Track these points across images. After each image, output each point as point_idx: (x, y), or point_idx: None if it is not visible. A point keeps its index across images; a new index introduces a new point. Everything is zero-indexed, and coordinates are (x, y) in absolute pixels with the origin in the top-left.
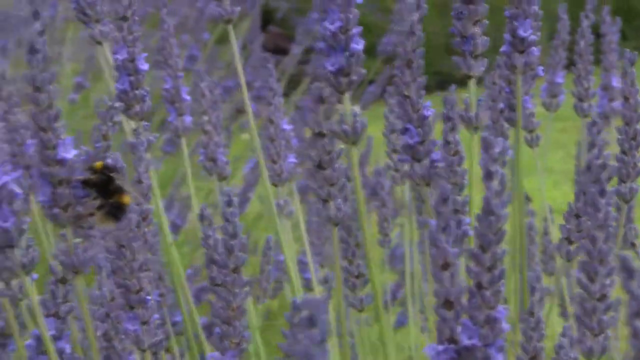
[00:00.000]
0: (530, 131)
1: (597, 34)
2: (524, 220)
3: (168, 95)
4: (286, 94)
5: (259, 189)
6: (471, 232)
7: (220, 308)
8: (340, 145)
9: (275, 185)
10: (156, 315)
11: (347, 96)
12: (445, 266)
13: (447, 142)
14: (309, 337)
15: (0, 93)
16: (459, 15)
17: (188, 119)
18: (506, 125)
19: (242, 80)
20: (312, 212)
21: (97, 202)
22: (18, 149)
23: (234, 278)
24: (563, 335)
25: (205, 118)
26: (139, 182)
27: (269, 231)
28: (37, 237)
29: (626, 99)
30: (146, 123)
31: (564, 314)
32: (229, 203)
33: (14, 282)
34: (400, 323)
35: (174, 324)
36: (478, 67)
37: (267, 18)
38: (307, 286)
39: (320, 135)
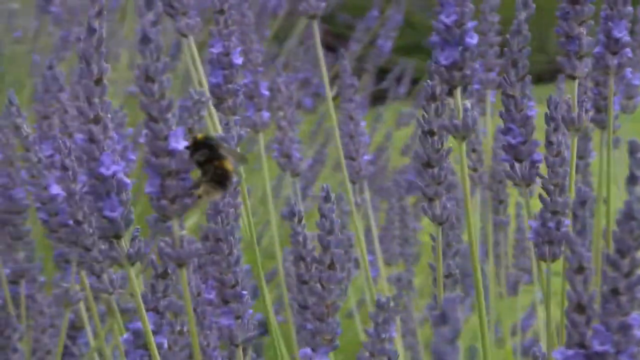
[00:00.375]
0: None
1: None
2: None
3: (247, 90)
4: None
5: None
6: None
7: (314, 304)
8: (449, 144)
9: (353, 182)
10: (250, 311)
11: (458, 91)
12: (580, 270)
13: (550, 143)
14: (441, 335)
15: None
16: (565, 15)
17: (266, 115)
18: (591, 126)
19: (325, 77)
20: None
21: (203, 178)
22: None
23: (329, 274)
24: None
25: (281, 114)
26: None
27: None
28: None
29: None
30: (237, 118)
31: None
32: (327, 199)
33: (105, 276)
34: None
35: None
36: (582, 68)
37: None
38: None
39: (430, 133)
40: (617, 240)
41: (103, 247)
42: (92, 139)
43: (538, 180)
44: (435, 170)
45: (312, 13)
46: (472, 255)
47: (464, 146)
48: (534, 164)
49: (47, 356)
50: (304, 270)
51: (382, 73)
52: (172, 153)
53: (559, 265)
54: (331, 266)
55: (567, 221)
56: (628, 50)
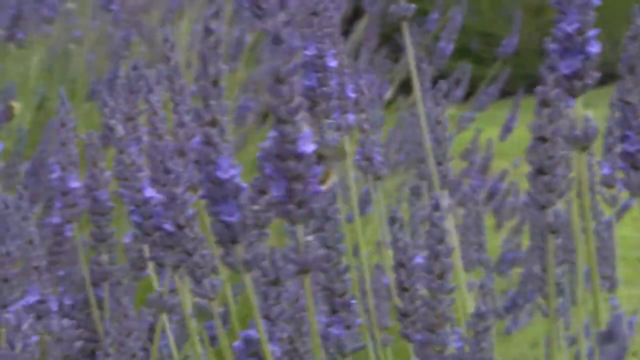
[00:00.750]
0: None
1: None
2: None
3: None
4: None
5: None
6: None
7: (424, 315)
8: (562, 151)
9: (441, 188)
10: (359, 320)
11: (579, 100)
12: None
13: None
14: (608, 354)
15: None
16: None
17: (351, 117)
18: None
19: (415, 79)
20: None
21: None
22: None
23: (439, 284)
24: None
25: (363, 116)
26: None
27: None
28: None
29: None
30: (330, 121)
31: None
32: (436, 207)
33: (205, 282)
34: None
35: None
36: None
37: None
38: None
39: (542, 139)
40: None
41: (205, 252)
42: (208, 142)
43: None
44: (548, 177)
45: (402, 15)
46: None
47: (584, 157)
48: None
49: (131, 359)
50: (405, 277)
51: (435, 77)
52: (300, 156)
53: None
54: (441, 276)
55: None
56: None
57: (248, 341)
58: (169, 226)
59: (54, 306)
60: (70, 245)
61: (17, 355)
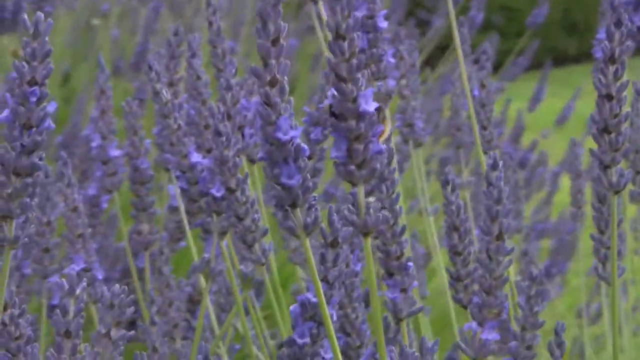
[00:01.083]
0: None
1: None
2: None
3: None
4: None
5: None
6: None
7: (482, 277)
8: (627, 109)
9: (485, 152)
10: (416, 283)
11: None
12: None
13: None
14: None
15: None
16: None
17: (392, 83)
18: None
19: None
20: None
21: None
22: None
23: (497, 245)
24: None
25: (403, 82)
26: None
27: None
28: None
29: None
30: (380, 84)
31: None
32: (494, 166)
33: (256, 246)
34: None
35: None
36: None
37: None
38: None
39: (607, 97)
40: None
41: (255, 216)
42: (268, 103)
43: None
44: (613, 136)
45: None
46: None
47: None
48: None
49: (174, 330)
50: (457, 240)
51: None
52: (362, 115)
53: None
54: (500, 237)
55: None
56: None
57: (304, 305)
58: (216, 191)
59: (99, 275)
60: (105, 218)
61: (70, 321)
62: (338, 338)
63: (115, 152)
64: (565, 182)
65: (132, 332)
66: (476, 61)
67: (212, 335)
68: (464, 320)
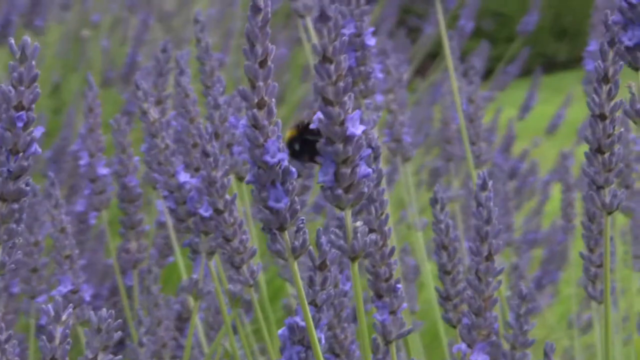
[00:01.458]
0: None
1: None
2: None
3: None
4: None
5: None
6: None
7: (471, 298)
8: (620, 128)
9: (475, 167)
10: (405, 305)
11: None
12: None
13: None
14: None
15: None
16: None
17: (380, 98)
18: None
19: (448, 55)
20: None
21: None
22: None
23: (487, 266)
24: None
25: (391, 97)
26: None
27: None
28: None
29: None
30: (369, 101)
31: None
32: (483, 186)
33: (244, 268)
34: None
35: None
36: None
37: None
38: None
39: (600, 117)
40: None
41: (244, 237)
42: (256, 125)
43: None
44: (606, 156)
45: None
46: None
47: None
48: None
49: (162, 349)
50: (447, 259)
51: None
52: (349, 139)
53: None
54: (489, 257)
55: None
56: None
57: (292, 328)
58: (204, 211)
59: (87, 296)
60: (94, 233)
61: (57, 347)
62: (327, 359)
63: (103, 171)
64: (556, 190)
65: (120, 357)
66: (465, 74)
67: (201, 354)
68: (454, 334)
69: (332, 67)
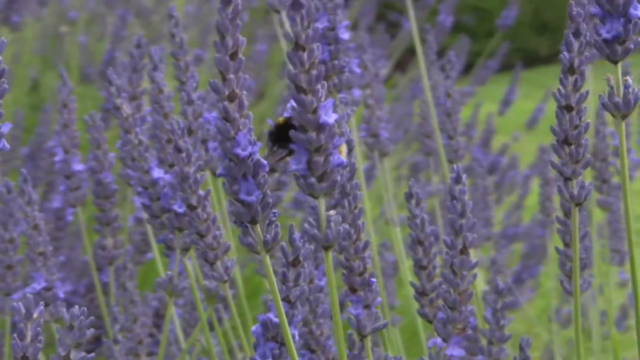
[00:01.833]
0: None
1: None
2: None
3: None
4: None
5: None
6: None
7: (446, 292)
8: (588, 119)
9: (450, 162)
10: (379, 299)
11: (619, 66)
12: None
13: None
14: None
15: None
16: None
17: (357, 93)
18: None
19: (420, 52)
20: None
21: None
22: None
23: (461, 260)
24: None
25: (368, 92)
26: None
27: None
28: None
29: None
30: (343, 95)
31: None
32: (457, 180)
33: (218, 264)
34: None
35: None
36: None
37: None
38: None
39: (567, 108)
40: None
41: (217, 232)
42: (227, 118)
43: None
44: (573, 148)
45: None
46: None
47: (623, 126)
48: None
49: (138, 346)
50: (422, 254)
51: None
52: (322, 127)
53: None
54: (463, 251)
55: None
56: None
57: (266, 325)
58: (178, 207)
59: (60, 293)
60: (72, 230)
61: (27, 345)
62: (303, 355)
63: (78, 167)
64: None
65: (92, 354)
66: (442, 69)
67: (179, 350)
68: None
69: (305, 54)
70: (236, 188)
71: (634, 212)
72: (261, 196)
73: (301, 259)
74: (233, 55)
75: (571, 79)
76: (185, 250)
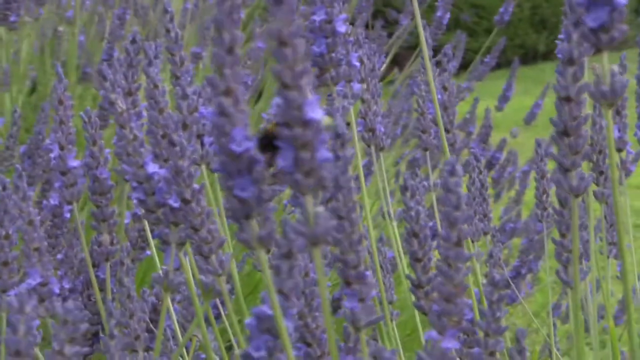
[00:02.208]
0: None
1: None
2: None
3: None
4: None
5: None
6: None
7: (440, 284)
8: (587, 111)
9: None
10: (374, 292)
11: (606, 54)
12: None
13: None
14: None
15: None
16: None
17: (357, 87)
18: None
19: (424, 45)
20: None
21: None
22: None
23: (456, 252)
24: None
25: (364, 86)
26: None
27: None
28: None
29: None
30: (340, 88)
31: None
32: (452, 172)
33: (213, 258)
34: None
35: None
36: None
37: None
38: None
39: (566, 99)
40: None
41: (212, 226)
42: (222, 113)
43: None
44: (572, 139)
45: None
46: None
47: (610, 114)
48: None
49: (135, 342)
50: (417, 247)
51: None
52: (308, 123)
53: None
54: (458, 244)
55: None
56: None
57: (260, 317)
58: (173, 202)
59: (56, 289)
60: (70, 227)
61: (20, 339)
62: (298, 348)
63: (74, 163)
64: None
65: (88, 348)
66: (438, 64)
67: (176, 345)
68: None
69: (289, 50)
70: (231, 184)
71: (633, 206)
72: (256, 192)
73: (294, 251)
74: (230, 50)
75: (570, 70)
76: (181, 244)
